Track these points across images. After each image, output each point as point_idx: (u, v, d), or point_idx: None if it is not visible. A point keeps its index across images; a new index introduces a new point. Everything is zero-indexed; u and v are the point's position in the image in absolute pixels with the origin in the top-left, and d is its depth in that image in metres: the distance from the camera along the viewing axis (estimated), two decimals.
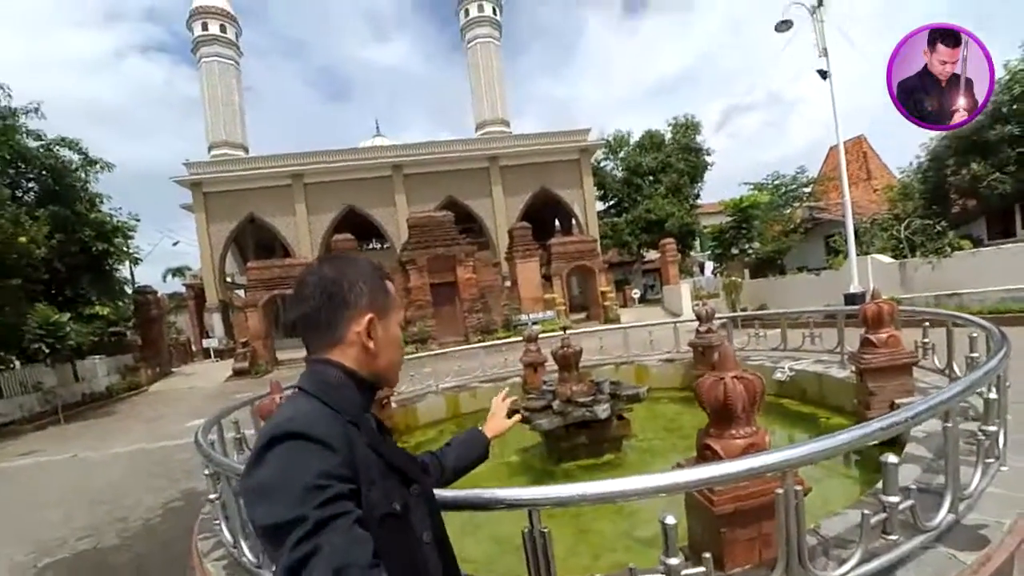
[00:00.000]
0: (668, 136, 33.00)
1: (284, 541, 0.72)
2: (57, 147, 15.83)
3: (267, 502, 0.76)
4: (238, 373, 18.64)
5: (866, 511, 1.75)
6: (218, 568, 2.70)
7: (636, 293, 30.82)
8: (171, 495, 6.08)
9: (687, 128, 32.47)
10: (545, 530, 1.63)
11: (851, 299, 11.72)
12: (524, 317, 20.91)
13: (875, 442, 1.82)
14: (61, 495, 6.63)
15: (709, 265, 27.13)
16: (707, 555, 1.65)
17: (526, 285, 22.31)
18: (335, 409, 0.91)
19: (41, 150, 15.42)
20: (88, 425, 12.45)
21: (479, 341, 18.34)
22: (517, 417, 1.75)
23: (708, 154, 33.12)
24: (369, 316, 0.99)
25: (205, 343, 26.57)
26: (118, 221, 17.43)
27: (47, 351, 13.06)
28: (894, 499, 1.78)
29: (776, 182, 27.23)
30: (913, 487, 1.94)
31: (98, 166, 16.74)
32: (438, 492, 1.35)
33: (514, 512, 1.61)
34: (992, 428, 2.29)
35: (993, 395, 2.31)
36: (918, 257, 13.33)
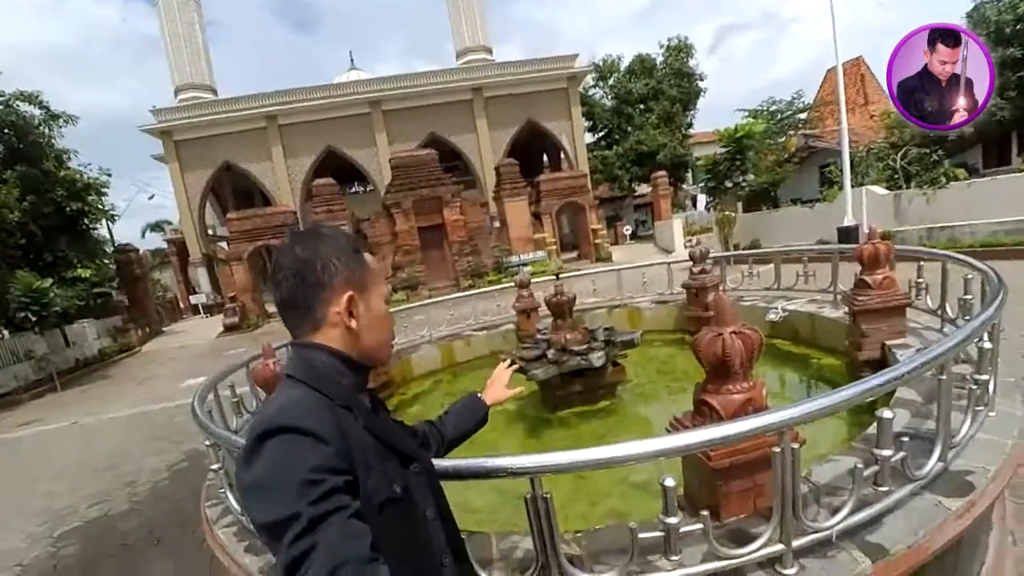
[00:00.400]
0: (660, 60, 31.66)
1: (281, 538, 0.72)
2: (16, 102, 14.92)
3: (262, 500, 0.76)
4: (229, 328, 18.68)
5: (859, 463, 1.78)
6: (228, 535, 2.73)
7: (628, 230, 30.73)
8: (175, 457, 6.19)
9: (679, 51, 31.12)
10: (547, 495, 1.65)
11: (844, 233, 11.75)
12: (514, 258, 20.88)
13: (872, 398, 1.81)
14: (66, 464, 6.73)
15: (702, 199, 26.80)
16: (704, 512, 1.69)
17: (515, 225, 22.09)
18: (325, 395, 0.89)
19: (1, 106, 14.55)
20: (85, 390, 12.55)
21: (470, 285, 18.39)
22: (519, 390, 1.77)
23: (701, 79, 31.96)
24: (348, 294, 0.96)
25: (193, 299, 26.42)
26: (89, 178, 16.77)
27: (34, 319, 12.93)
28: (887, 452, 1.80)
29: (772, 108, 26.48)
30: (904, 437, 1.96)
31: (61, 120, 15.89)
32: (439, 463, 1.36)
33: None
34: (984, 377, 2.31)
35: (988, 344, 2.31)
36: (913, 188, 13.22)
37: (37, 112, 15.43)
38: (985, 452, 2.21)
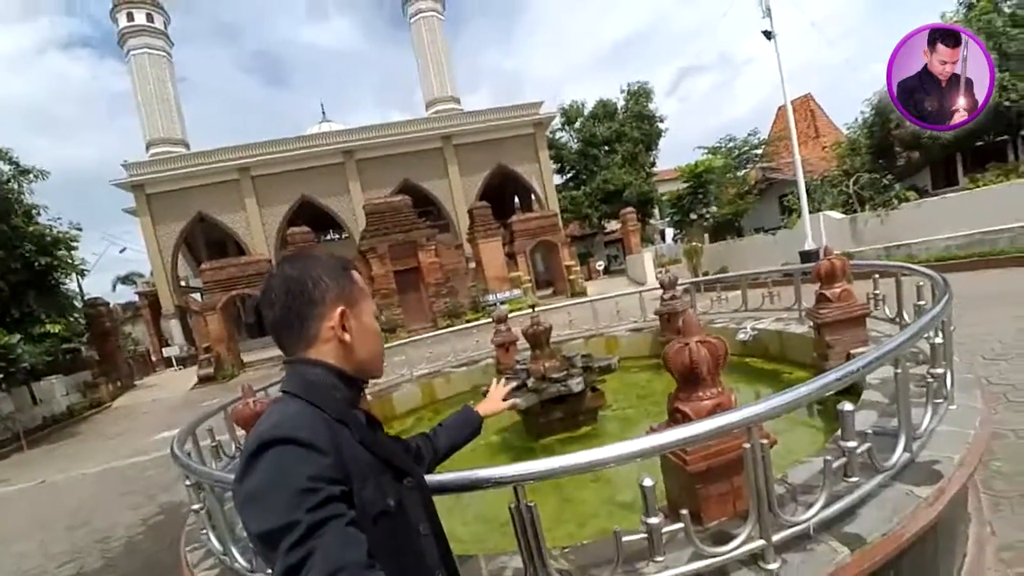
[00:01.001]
0: (621, 104, 33.11)
1: (278, 547, 0.72)
2: None
3: (259, 509, 0.76)
4: (203, 380, 18.11)
5: (828, 457, 1.87)
6: None
7: (600, 265, 31.28)
8: (150, 511, 5.93)
9: (639, 95, 32.65)
10: (531, 504, 1.68)
11: (806, 256, 12.23)
12: (491, 297, 20.97)
13: (832, 392, 1.92)
14: (34, 523, 6.39)
15: (670, 232, 27.68)
16: (684, 512, 1.74)
17: (490, 265, 22.31)
18: (321, 409, 0.90)
19: None
20: (53, 448, 11.97)
21: (448, 325, 18.32)
22: (513, 401, 1.81)
23: (661, 121, 33.47)
24: (340, 309, 0.98)
25: (165, 352, 25.64)
26: (59, 232, 16.45)
27: (1, 376, 12.37)
28: (852, 444, 1.90)
29: (729, 145, 27.81)
30: (870, 431, 2.07)
31: (31, 175, 15.71)
32: (426, 477, 1.40)
33: (499, 492, 1.66)
34: (939, 370, 2.45)
35: (939, 340, 2.47)
36: (867, 211, 13.94)
37: (6, 168, 15.25)
38: (950, 443, 2.32)
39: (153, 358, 27.37)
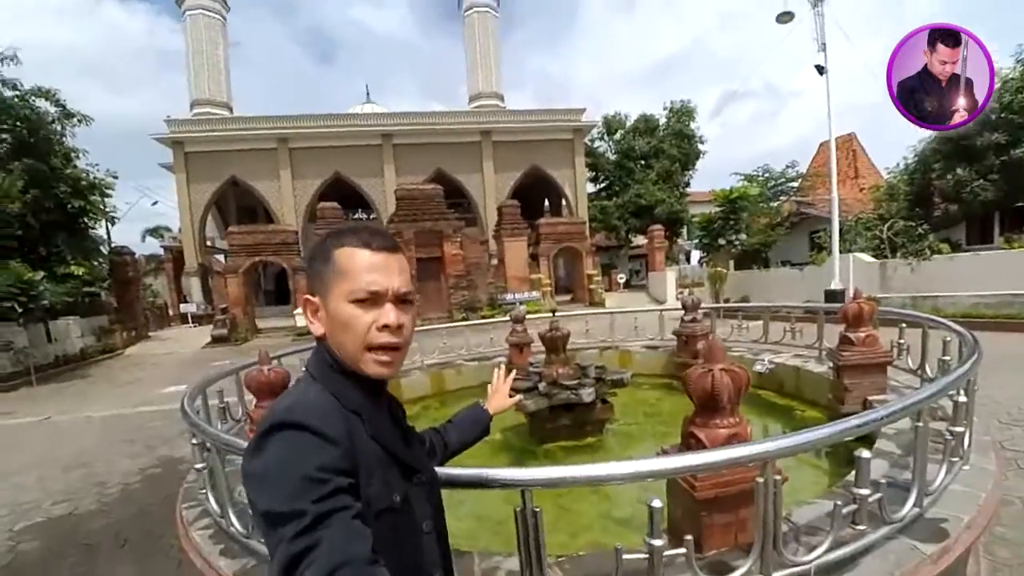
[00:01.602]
0: (663, 121, 32.89)
1: (281, 531, 0.72)
2: (33, 97, 15.17)
3: (267, 491, 0.76)
4: (216, 340, 18.43)
5: (838, 502, 1.85)
6: (204, 537, 2.70)
7: (622, 278, 31.06)
8: (148, 461, 6.04)
9: (682, 114, 32.41)
10: (538, 510, 1.68)
11: (831, 295, 12.01)
12: (509, 296, 20.97)
13: (851, 437, 1.90)
14: (35, 458, 6.50)
15: (696, 254, 27.45)
16: (688, 537, 1.73)
17: (512, 264, 22.32)
18: (336, 397, 0.91)
19: (16, 99, 14.77)
20: (61, 387, 12.23)
21: (463, 318, 18.40)
22: (518, 398, 1.77)
23: (701, 142, 33.19)
24: (304, 297, 0.98)
25: (183, 308, 26.14)
26: (95, 178, 16.86)
27: (20, 310, 12.71)
28: (865, 491, 1.87)
29: (766, 175, 27.46)
30: (882, 481, 2.03)
31: (75, 119, 16.11)
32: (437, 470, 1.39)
33: (495, 492, 1.65)
34: (959, 429, 2.41)
35: (963, 398, 2.43)
36: (898, 258, 13.65)
37: (52, 109, 15.65)
38: (960, 502, 2.29)
39: (170, 312, 27.92)
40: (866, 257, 14.33)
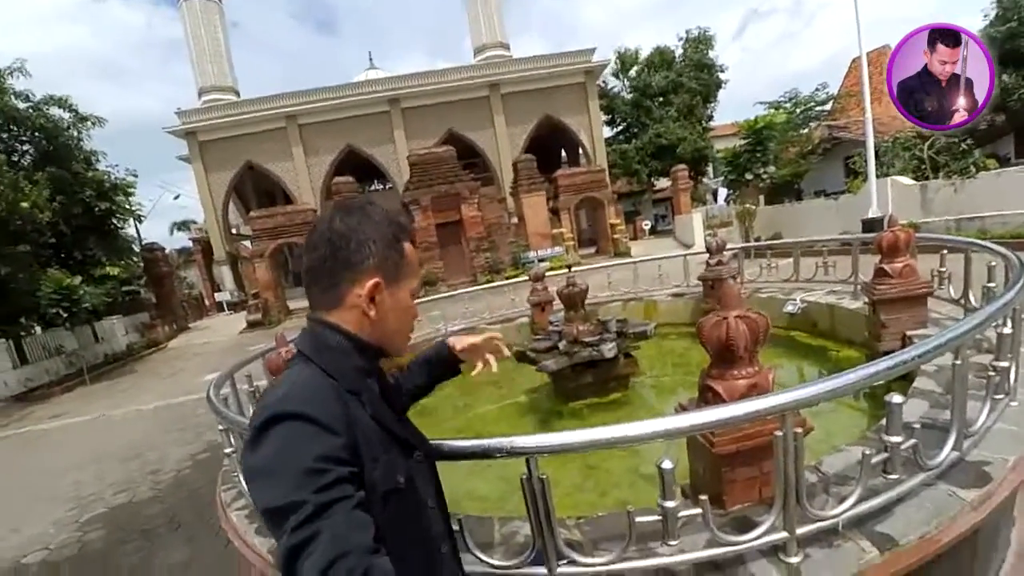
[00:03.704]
0: (679, 52, 31.19)
1: (283, 524, 0.72)
2: (47, 106, 15.43)
3: (266, 485, 0.76)
4: (252, 325, 19.03)
5: (867, 450, 1.73)
6: (240, 517, 2.81)
7: (647, 224, 30.43)
8: (197, 447, 6.34)
9: (699, 43, 30.65)
10: (543, 477, 1.63)
11: (869, 225, 11.42)
12: (532, 254, 20.82)
13: (880, 382, 1.76)
14: (92, 454, 6.94)
15: (723, 192, 26.44)
16: (703, 497, 1.66)
17: (533, 220, 22.04)
18: (334, 377, 0.88)
19: (31, 111, 15.06)
20: (112, 384, 12.92)
21: (487, 281, 18.41)
22: (486, 368, 1.48)
23: (722, 71, 31.41)
24: (374, 280, 0.93)
25: (217, 296, 27.01)
26: (116, 178, 17.27)
27: (64, 315, 13.32)
28: (896, 439, 1.75)
29: (793, 100, 25.92)
30: (917, 425, 1.90)
31: (89, 122, 16.39)
32: (438, 443, 1.39)
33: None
34: (1004, 364, 2.23)
35: (1008, 329, 2.23)
36: (940, 178, 12.80)
37: (66, 115, 15.93)
38: (1005, 442, 2.12)
39: (206, 302, 28.89)
40: (905, 180, 13.48)
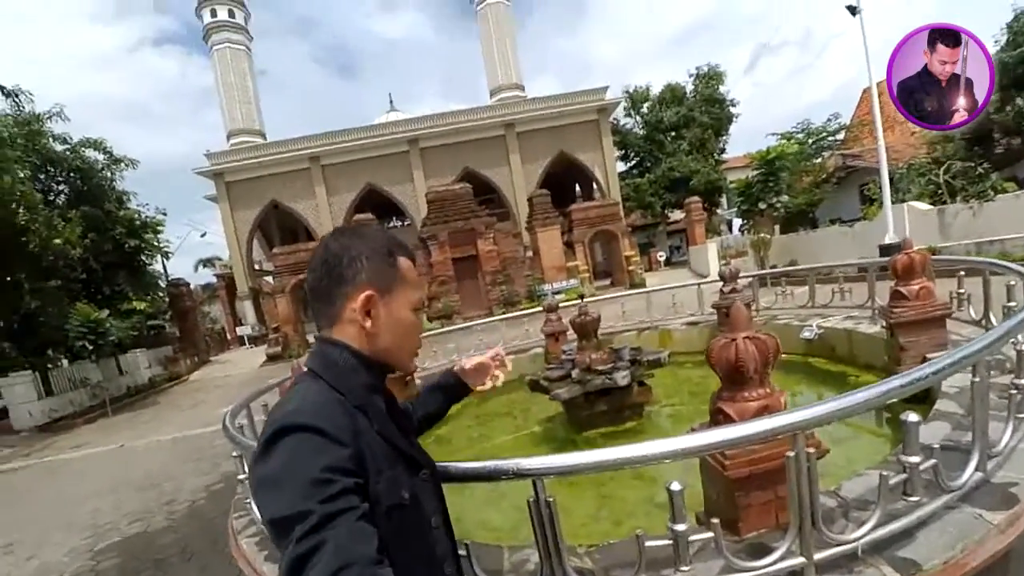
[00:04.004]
0: (690, 88, 31.76)
1: (288, 534, 0.72)
2: (82, 148, 16.25)
3: (273, 494, 0.76)
4: (272, 358, 19.22)
5: (884, 472, 1.68)
6: (251, 544, 2.80)
7: (662, 256, 30.38)
8: (213, 478, 6.35)
9: (709, 78, 31.20)
10: (550, 499, 1.62)
11: (886, 250, 11.24)
12: (547, 287, 20.85)
13: (894, 400, 1.73)
14: (111, 483, 7.00)
15: (737, 222, 26.41)
16: (715, 520, 1.62)
17: (548, 254, 22.17)
18: (341, 393, 0.90)
19: (68, 153, 15.91)
20: (134, 416, 13.07)
21: (503, 314, 18.45)
22: (491, 387, 1.54)
23: (733, 105, 31.87)
24: (367, 293, 0.94)
25: (239, 331, 27.47)
26: (146, 217, 17.94)
27: (91, 348, 13.64)
28: (915, 459, 1.69)
29: (805, 131, 26.07)
30: (937, 446, 1.85)
31: (122, 164, 17.18)
32: (445, 465, 1.38)
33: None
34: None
35: None
36: (958, 202, 12.65)
37: (101, 157, 16.74)
38: None
39: (229, 336, 29.37)
40: (921, 205, 13.34)
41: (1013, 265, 3.28)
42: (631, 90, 32.53)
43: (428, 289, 20.36)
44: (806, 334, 5.45)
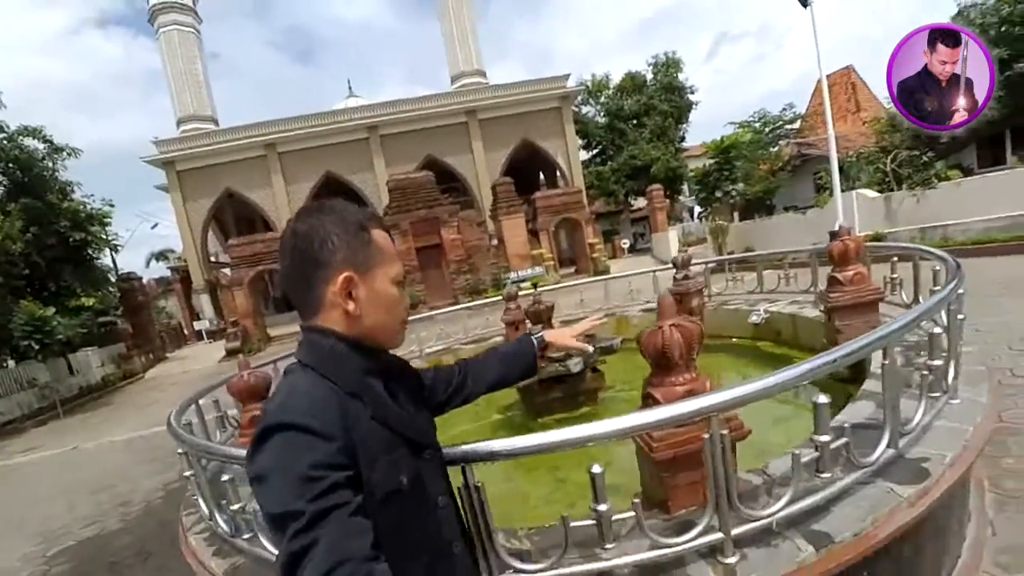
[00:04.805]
0: (649, 76, 32.06)
1: (283, 531, 0.73)
2: (21, 137, 15.31)
3: (266, 492, 0.77)
4: (231, 353, 18.68)
5: (796, 451, 1.78)
6: (199, 540, 2.80)
7: (625, 243, 30.81)
8: (169, 477, 6.21)
9: (668, 67, 31.51)
10: (479, 484, 1.66)
11: (836, 236, 11.70)
12: (513, 275, 20.91)
13: (807, 382, 1.82)
14: (63, 487, 6.80)
15: (698, 210, 27.00)
16: (636, 500, 1.71)
17: (512, 242, 22.21)
18: (333, 381, 0.87)
19: (5, 142, 14.93)
20: (86, 417, 12.61)
21: (468, 303, 18.41)
22: (584, 346, 1.59)
23: (692, 92, 32.25)
24: (345, 275, 0.90)
25: (196, 325, 26.66)
26: (92, 208, 17.07)
27: (37, 347, 13.04)
28: (825, 438, 1.80)
29: (762, 120, 26.75)
30: (847, 425, 1.97)
31: (65, 153, 16.26)
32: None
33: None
34: (937, 362, 2.31)
35: (937, 329, 2.32)
36: (904, 190, 13.26)
37: (41, 146, 15.80)
38: (946, 440, 2.18)
39: (185, 331, 28.43)
40: (870, 193, 13.94)
41: (937, 251, 3.47)
42: (591, 79, 32.60)
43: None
44: (753, 318, 5.66)
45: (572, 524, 1.70)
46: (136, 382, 17.67)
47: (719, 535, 1.71)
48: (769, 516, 1.75)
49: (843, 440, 1.87)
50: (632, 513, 1.69)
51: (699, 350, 2.11)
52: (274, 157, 27.57)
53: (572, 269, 25.15)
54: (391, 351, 1.04)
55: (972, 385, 2.65)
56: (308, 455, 0.76)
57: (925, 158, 13.76)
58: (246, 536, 2.43)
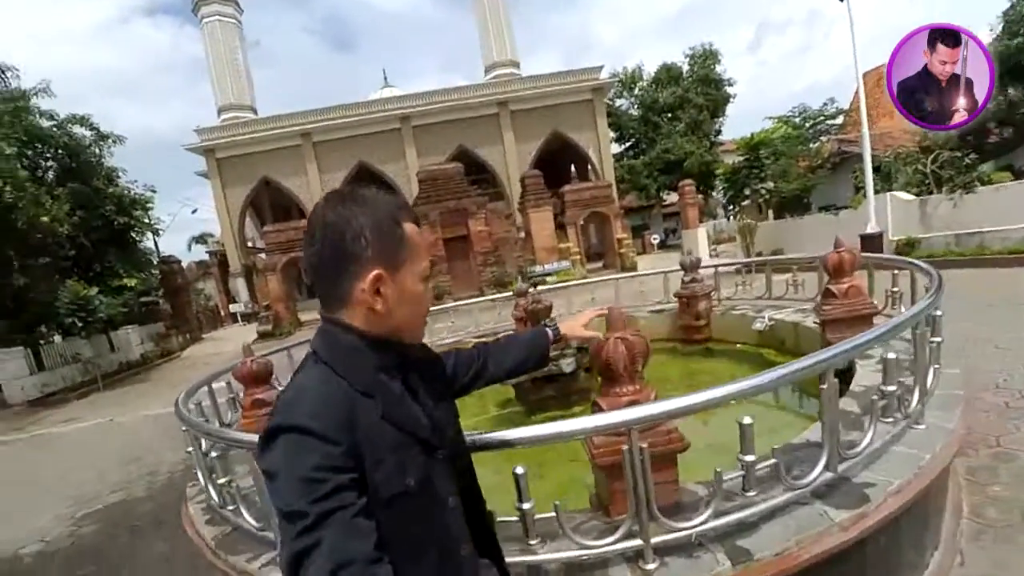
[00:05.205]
0: (686, 68, 31.35)
1: (288, 528, 0.75)
2: (70, 125, 16.20)
3: (275, 489, 0.79)
4: (263, 336, 19.43)
5: (718, 468, 1.84)
6: (197, 509, 3.07)
7: (655, 239, 30.39)
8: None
9: (705, 58, 30.74)
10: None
11: (867, 240, 11.33)
12: (539, 268, 20.95)
13: (746, 399, 1.87)
14: (97, 455, 7.29)
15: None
16: (556, 502, 1.83)
17: (540, 235, 22.21)
18: (346, 379, 0.87)
19: (55, 129, 15.84)
20: (124, 391, 13.34)
21: (493, 295, 18.53)
22: (595, 334, 1.72)
23: (730, 85, 31.45)
24: (375, 272, 0.88)
25: (232, 308, 27.67)
26: (136, 194, 17.97)
27: (80, 325, 13.85)
28: (749, 457, 1.85)
29: (803, 114, 25.85)
30: (778, 446, 2.01)
31: (110, 140, 17.13)
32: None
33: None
34: (891, 388, 2.30)
35: (892, 355, 2.31)
36: (944, 192, 12.66)
37: (88, 133, 16.71)
38: (901, 466, 2.16)
39: (222, 313, 29.60)
40: (904, 195, 13.34)
41: (919, 263, 3.43)
42: (625, 71, 32.10)
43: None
44: (757, 325, 5.61)
45: (499, 519, 1.82)
46: (172, 360, 18.57)
47: (638, 542, 1.80)
48: (690, 528, 1.82)
49: (772, 461, 1.92)
50: (551, 513, 1.80)
51: (645, 363, 2.19)
52: (309, 146, 28.30)
53: (600, 264, 25.01)
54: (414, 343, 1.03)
55: (945, 410, 2.58)
56: (311, 458, 0.77)
57: (968, 160, 13.07)
58: (230, 508, 2.66)
